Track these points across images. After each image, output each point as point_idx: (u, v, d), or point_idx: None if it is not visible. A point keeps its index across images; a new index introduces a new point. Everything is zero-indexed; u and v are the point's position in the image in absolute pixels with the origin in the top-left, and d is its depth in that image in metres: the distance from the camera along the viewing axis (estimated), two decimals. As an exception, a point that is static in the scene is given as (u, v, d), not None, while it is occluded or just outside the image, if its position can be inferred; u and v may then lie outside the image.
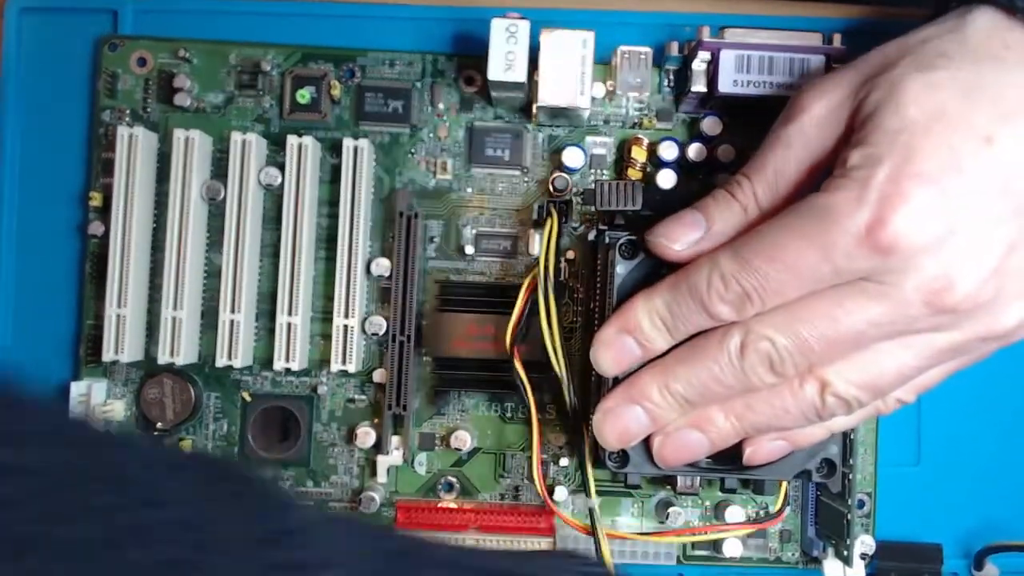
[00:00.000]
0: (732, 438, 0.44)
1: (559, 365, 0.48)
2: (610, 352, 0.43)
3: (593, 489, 0.47)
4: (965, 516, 0.56)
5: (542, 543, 0.53)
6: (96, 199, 0.54)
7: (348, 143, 0.53)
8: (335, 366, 0.53)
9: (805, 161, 0.42)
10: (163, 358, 0.52)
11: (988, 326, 0.39)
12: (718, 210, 0.43)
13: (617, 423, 0.44)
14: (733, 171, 0.53)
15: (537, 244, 0.54)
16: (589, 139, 0.55)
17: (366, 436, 0.54)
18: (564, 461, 0.54)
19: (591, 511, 0.48)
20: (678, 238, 0.43)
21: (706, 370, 0.41)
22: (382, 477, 0.54)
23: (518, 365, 0.49)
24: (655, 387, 0.42)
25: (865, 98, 0.40)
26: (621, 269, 0.45)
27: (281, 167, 0.53)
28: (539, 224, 0.53)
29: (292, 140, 0.53)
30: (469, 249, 0.55)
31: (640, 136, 0.54)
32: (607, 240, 0.48)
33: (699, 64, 0.51)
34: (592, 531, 0.48)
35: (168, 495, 0.26)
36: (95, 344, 0.54)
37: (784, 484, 0.50)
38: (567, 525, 0.50)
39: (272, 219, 0.55)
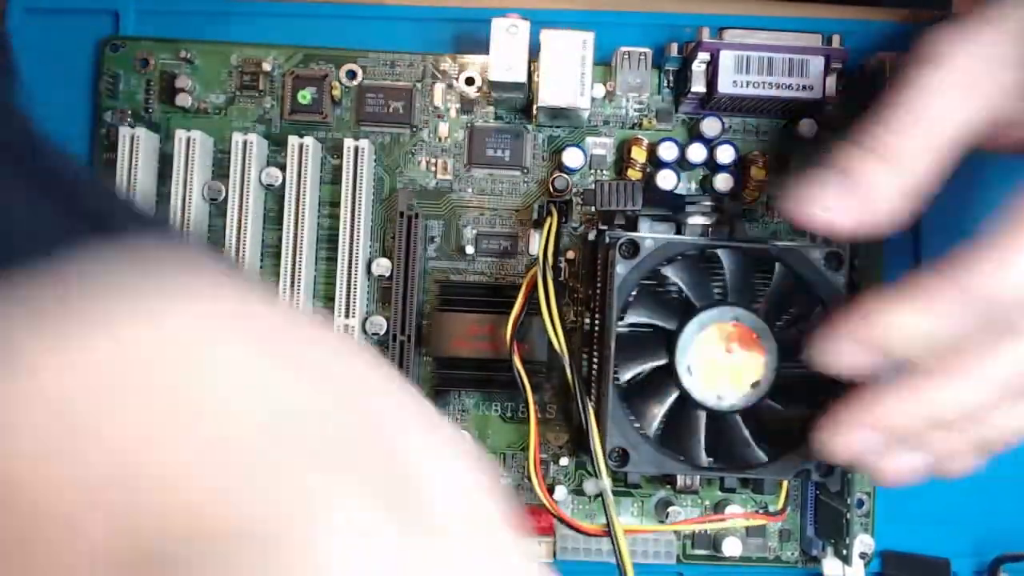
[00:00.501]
0: (959, 460, 0.38)
1: (559, 342, 0.47)
2: (844, 360, 0.38)
3: (604, 469, 0.45)
4: (965, 515, 0.56)
5: (542, 543, 0.53)
6: (98, 199, 0.55)
7: (349, 143, 0.53)
8: (336, 366, 0.53)
9: (968, 112, 0.37)
10: (164, 358, 0.52)
11: None
12: (867, 169, 0.37)
13: (854, 445, 0.38)
14: (732, 171, 0.54)
15: (536, 243, 0.54)
16: (589, 139, 0.55)
17: (367, 435, 0.54)
18: (564, 460, 0.54)
19: (602, 494, 0.46)
20: (831, 203, 0.37)
21: (975, 392, 0.35)
22: (383, 476, 0.54)
23: (518, 361, 0.49)
24: (907, 414, 0.36)
25: None
26: (621, 269, 0.46)
27: (282, 167, 0.54)
28: (539, 224, 0.54)
29: (293, 140, 0.53)
30: (469, 249, 0.55)
31: (640, 137, 0.55)
32: (607, 240, 0.48)
33: (699, 65, 0.51)
34: (605, 515, 0.46)
35: None
36: (97, 344, 0.54)
37: (785, 483, 0.50)
38: (566, 524, 0.50)
39: (273, 219, 0.55)
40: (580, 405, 0.46)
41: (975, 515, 0.56)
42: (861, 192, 0.37)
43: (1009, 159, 0.45)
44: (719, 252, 0.46)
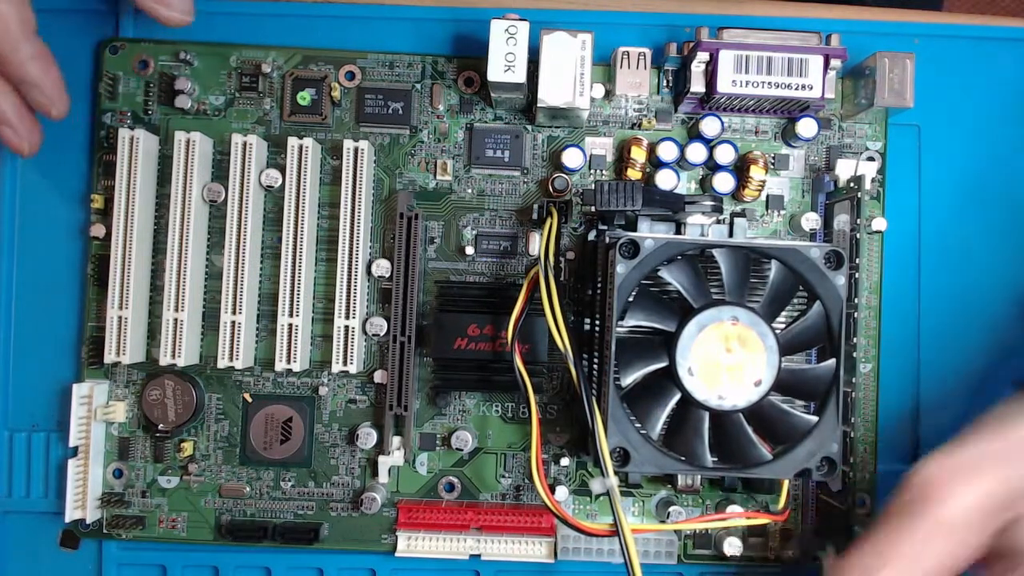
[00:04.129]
0: None
1: (562, 341, 0.47)
2: None
3: (611, 467, 0.45)
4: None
5: (543, 543, 0.53)
6: (97, 201, 0.55)
7: (348, 144, 0.53)
8: (336, 367, 0.53)
9: (951, 555, 0.42)
10: (164, 359, 0.52)
11: None
12: None
13: None
14: (732, 171, 0.54)
15: (536, 244, 0.54)
16: (588, 140, 0.55)
17: (367, 436, 0.54)
18: (565, 460, 0.54)
19: (608, 492, 0.46)
20: None
21: None
22: (383, 477, 0.54)
23: (519, 362, 0.49)
24: None
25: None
26: (621, 269, 0.46)
27: (282, 169, 0.54)
28: (539, 224, 0.54)
29: (293, 142, 0.53)
30: (469, 250, 0.55)
31: (639, 136, 0.55)
32: (607, 240, 0.48)
33: (698, 64, 0.51)
34: (613, 514, 0.46)
35: None
36: (97, 346, 0.54)
37: (786, 483, 0.50)
38: (568, 524, 0.50)
39: (273, 221, 0.55)
40: (585, 403, 0.46)
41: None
42: None
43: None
44: (715, 252, 0.46)
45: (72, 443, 0.53)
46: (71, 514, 0.53)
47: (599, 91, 0.54)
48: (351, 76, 0.55)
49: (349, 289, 0.53)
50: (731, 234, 0.49)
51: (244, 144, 0.53)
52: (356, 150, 0.53)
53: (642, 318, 0.46)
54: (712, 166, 0.54)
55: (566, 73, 0.51)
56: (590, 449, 0.46)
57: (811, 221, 0.54)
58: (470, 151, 0.55)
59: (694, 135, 0.55)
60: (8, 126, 0.50)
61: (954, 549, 0.42)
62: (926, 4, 0.46)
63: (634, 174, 0.54)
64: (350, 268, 0.53)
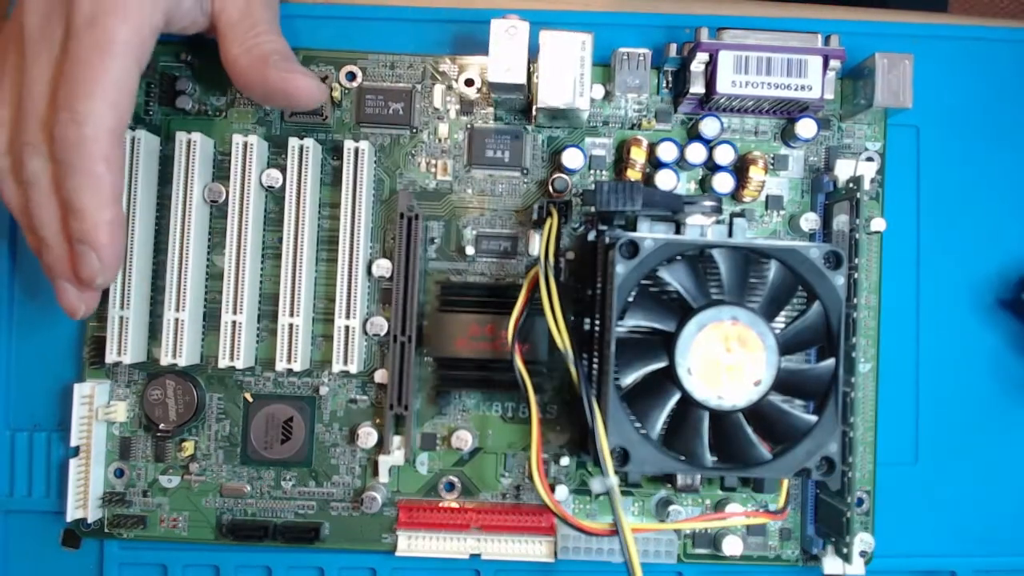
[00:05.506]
0: None
1: (562, 341, 0.47)
2: None
3: (611, 467, 0.45)
4: (963, 514, 0.56)
5: (543, 542, 0.54)
6: (98, 201, 0.55)
7: (349, 145, 0.53)
8: (337, 367, 0.53)
9: None
10: (166, 359, 0.53)
11: None
12: None
13: None
14: (731, 171, 0.54)
15: (537, 244, 0.54)
16: (588, 140, 0.56)
17: (368, 436, 0.54)
18: (565, 460, 0.55)
19: (608, 492, 0.45)
20: None
21: None
22: (384, 477, 0.54)
23: (519, 361, 0.49)
24: None
25: None
26: (621, 269, 0.46)
27: (282, 169, 0.54)
28: (539, 225, 0.54)
29: (293, 142, 0.53)
30: (469, 250, 0.55)
31: (639, 137, 0.55)
32: (607, 240, 0.48)
33: (697, 65, 0.52)
34: (613, 513, 0.46)
35: None
36: (98, 346, 0.54)
37: (786, 482, 0.50)
38: (568, 524, 0.50)
39: (274, 221, 0.55)
40: (585, 403, 0.46)
41: (967, 501, 0.56)
42: None
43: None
44: (715, 252, 0.46)
45: (73, 443, 0.53)
46: (72, 514, 0.53)
47: (599, 92, 0.54)
48: (352, 76, 0.55)
49: (349, 289, 0.53)
50: (731, 234, 0.49)
51: (245, 144, 0.53)
52: (356, 150, 0.53)
53: (642, 318, 0.46)
54: (712, 166, 0.55)
55: (566, 74, 0.51)
56: (590, 449, 0.46)
57: (810, 221, 0.54)
58: (470, 151, 0.55)
59: (694, 135, 0.55)
60: (71, 282, 0.48)
61: None
62: (932, 5, 0.46)
63: (634, 174, 0.54)
64: (350, 268, 0.53)
